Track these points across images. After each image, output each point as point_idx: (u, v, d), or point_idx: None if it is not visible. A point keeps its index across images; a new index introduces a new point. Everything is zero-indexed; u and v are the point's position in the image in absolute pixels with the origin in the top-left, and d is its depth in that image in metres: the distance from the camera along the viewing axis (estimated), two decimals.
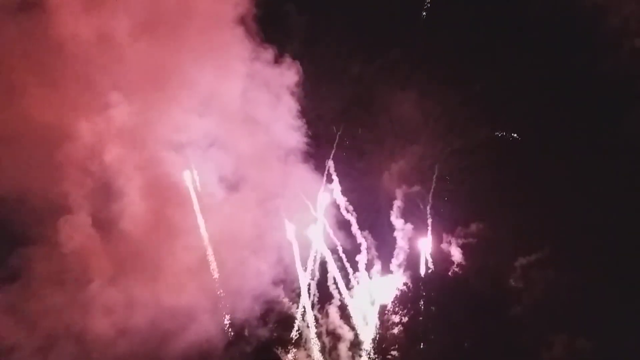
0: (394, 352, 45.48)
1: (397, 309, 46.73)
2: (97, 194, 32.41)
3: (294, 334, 42.47)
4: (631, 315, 39.11)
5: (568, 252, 44.21)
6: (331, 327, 43.49)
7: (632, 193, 41.96)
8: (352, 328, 43.48)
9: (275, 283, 40.49)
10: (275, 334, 40.86)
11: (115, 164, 32.68)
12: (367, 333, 44.67)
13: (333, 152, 47.59)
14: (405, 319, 46.54)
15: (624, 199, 42.32)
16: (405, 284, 47.10)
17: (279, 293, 41.06)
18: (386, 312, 46.37)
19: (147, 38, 32.26)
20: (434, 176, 49.76)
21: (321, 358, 42.53)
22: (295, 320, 42.25)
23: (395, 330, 46.05)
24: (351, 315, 43.64)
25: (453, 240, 49.65)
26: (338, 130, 48.19)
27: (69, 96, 31.37)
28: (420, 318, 46.49)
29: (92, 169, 32.25)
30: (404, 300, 46.96)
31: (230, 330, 37.06)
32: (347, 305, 43.70)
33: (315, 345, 42.19)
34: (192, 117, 34.82)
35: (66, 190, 30.46)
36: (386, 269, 47.21)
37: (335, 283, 43.52)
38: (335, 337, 43.40)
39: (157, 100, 32.80)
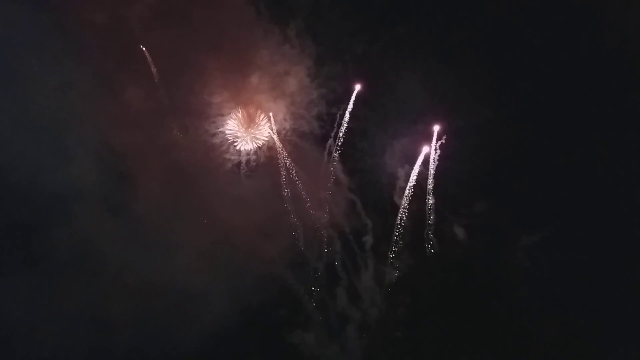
0: (398, 333, 46.19)
1: (400, 290, 47.40)
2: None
3: (302, 317, 42.96)
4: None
5: (573, 232, 44.53)
6: (339, 309, 44.07)
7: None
8: (360, 310, 43.98)
9: (285, 266, 40.86)
10: (284, 317, 41.18)
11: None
12: (372, 314, 45.36)
13: (335, 132, 47.57)
14: (407, 300, 47.24)
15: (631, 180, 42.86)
16: (409, 265, 47.71)
17: (289, 275, 41.42)
18: (389, 293, 46.98)
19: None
20: (436, 155, 49.97)
21: (328, 340, 43.24)
22: (304, 303, 42.72)
23: (399, 311, 46.73)
24: (360, 296, 44.11)
25: (456, 220, 50.47)
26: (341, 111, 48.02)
27: None
28: (422, 299, 47.19)
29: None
30: (407, 282, 47.65)
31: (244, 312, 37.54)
32: (355, 287, 44.14)
33: (322, 327, 42.87)
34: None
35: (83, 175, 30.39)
36: (391, 249, 47.65)
37: (344, 265, 44.05)
38: (343, 318, 44.05)
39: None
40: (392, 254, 48.32)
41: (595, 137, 45.74)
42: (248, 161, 41.09)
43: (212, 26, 36.46)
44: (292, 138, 44.89)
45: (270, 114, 42.24)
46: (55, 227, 31.72)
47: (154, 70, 34.12)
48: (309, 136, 45.44)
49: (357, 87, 48.92)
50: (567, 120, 47.28)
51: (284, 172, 42.73)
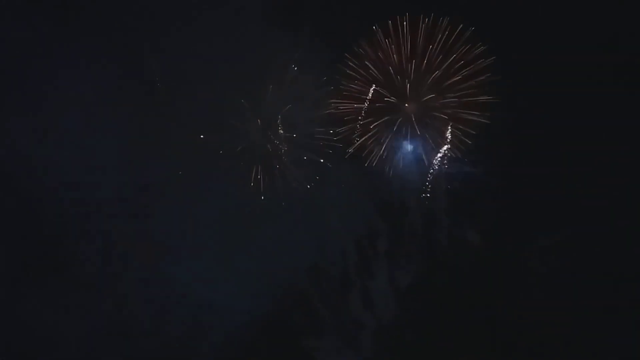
0: (409, 336, 46.60)
1: (411, 293, 47.82)
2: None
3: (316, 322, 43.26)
4: None
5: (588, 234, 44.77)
6: (354, 314, 44.35)
7: None
8: (374, 314, 44.29)
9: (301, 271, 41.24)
10: (299, 323, 41.49)
11: None
12: (386, 318, 45.72)
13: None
14: (420, 303, 47.68)
15: None
16: (421, 269, 48.11)
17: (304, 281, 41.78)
18: (401, 296, 47.36)
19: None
20: (447, 156, 50.22)
21: (343, 345, 43.52)
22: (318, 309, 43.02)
23: (412, 315, 47.16)
24: (373, 301, 44.40)
25: (468, 223, 50.78)
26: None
27: None
28: (434, 302, 47.61)
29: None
30: (420, 286, 48.06)
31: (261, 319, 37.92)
32: (369, 292, 44.46)
33: (337, 333, 43.16)
34: None
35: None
36: (404, 254, 47.90)
37: (358, 269, 44.31)
38: (357, 323, 44.35)
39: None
40: (404, 258, 48.50)
41: (614, 136, 46.12)
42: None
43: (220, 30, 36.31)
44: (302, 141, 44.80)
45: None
46: (77, 236, 31.89)
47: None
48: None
49: (372, 89, 48.96)
50: (586, 119, 47.27)
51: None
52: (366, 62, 47.07)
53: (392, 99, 48.28)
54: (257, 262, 37.98)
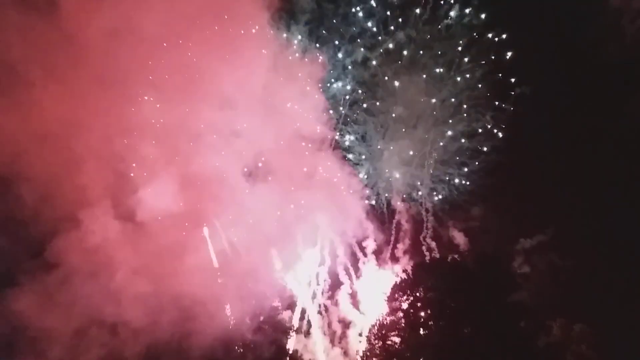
0: (394, 338, 47.13)
1: (397, 295, 48.43)
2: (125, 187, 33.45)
3: (302, 324, 44.02)
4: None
5: (571, 236, 46.15)
6: (341, 314, 45.22)
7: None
8: (362, 314, 45.18)
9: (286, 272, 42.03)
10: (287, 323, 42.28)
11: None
12: (372, 319, 46.46)
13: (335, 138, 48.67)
14: (405, 305, 48.27)
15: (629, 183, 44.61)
16: (404, 270, 48.78)
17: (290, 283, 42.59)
18: (387, 298, 47.97)
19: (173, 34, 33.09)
20: (433, 159, 51.35)
21: (329, 345, 44.29)
22: (304, 309, 43.83)
23: (396, 316, 47.73)
24: (360, 301, 45.29)
25: (453, 224, 51.93)
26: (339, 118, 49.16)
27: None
28: (420, 304, 48.28)
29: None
30: (405, 287, 48.74)
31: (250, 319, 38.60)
32: (356, 292, 45.36)
33: (320, 335, 43.97)
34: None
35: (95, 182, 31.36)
36: (391, 255, 48.97)
37: (345, 270, 45.21)
38: (344, 324, 45.19)
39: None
40: (389, 259, 49.47)
41: (593, 139, 48.03)
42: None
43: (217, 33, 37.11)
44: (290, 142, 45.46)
45: None
46: (67, 234, 32.39)
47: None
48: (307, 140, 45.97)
49: (355, 92, 50.04)
50: (565, 123, 48.96)
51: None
52: None
53: None
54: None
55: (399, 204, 52.14)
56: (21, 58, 31.07)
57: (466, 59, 49.08)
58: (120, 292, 32.91)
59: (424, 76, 49.81)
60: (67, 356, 32.45)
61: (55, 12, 31.27)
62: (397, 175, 52.29)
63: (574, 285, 44.96)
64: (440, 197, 52.53)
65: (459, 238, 51.68)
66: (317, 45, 46.09)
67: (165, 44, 34.42)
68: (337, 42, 47.73)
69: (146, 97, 34.85)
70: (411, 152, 52.06)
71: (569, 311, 43.65)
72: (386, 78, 50.12)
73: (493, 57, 48.71)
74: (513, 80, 49.63)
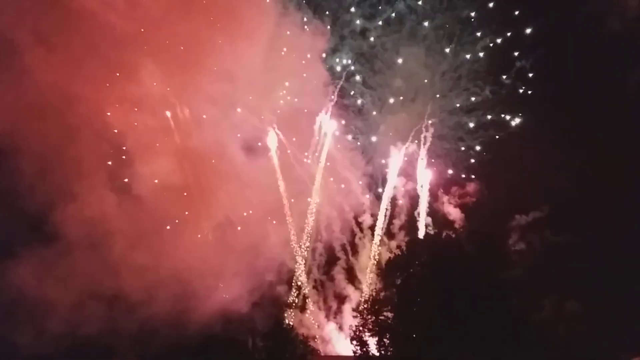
0: (387, 313, 47.33)
1: (391, 270, 48.53)
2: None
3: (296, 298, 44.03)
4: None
5: (566, 212, 46.37)
6: (337, 289, 45.30)
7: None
8: (357, 289, 45.31)
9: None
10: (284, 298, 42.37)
11: None
12: (367, 294, 46.63)
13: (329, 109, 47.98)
14: (398, 281, 48.41)
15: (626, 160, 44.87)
16: (399, 246, 48.81)
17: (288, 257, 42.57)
18: (382, 273, 48.06)
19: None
20: (430, 133, 51.08)
21: (325, 320, 44.44)
22: (300, 284, 43.78)
23: (390, 292, 47.88)
24: (357, 276, 45.36)
25: (449, 200, 51.96)
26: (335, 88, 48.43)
27: None
28: (413, 280, 48.43)
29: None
30: (399, 262, 48.83)
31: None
32: (352, 267, 45.39)
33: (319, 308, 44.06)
34: None
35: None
36: (386, 230, 48.89)
37: (341, 245, 45.13)
38: (340, 299, 45.29)
39: None
40: (383, 234, 49.39)
41: (588, 117, 47.49)
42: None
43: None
44: (287, 115, 44.84)
45: None
46: (65, 207, 31.85)
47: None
48: (303, 112, 45.31)
49: (351, 64, 49.19)
50: (560, 99, 48.73)
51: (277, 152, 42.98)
52: None
53: None
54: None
55: (394, 179, 51.85)
56: (15, 28, 29.95)
57: (467, 32, 48.53)
58: (119, 265, 32.47)
59: (424, 49, 49.15)
60: (65, 327, 32.11)
61: None
62: (394, 149, 51.80)
63: (568, 262, 45.04)
64: (436, 172, 52.34)
65: (455, 214, 51.76)
66: (314, 14, 45.22)
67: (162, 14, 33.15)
68: (334, 11, 46.93)
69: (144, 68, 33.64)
70: (408, 126, 51.62)
71: (562, 288, 44.14)
72: (385, 50, 49.53)
73: (495, 30, 48.20)
74: (514, 54, 49.23)
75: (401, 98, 51.28)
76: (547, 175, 48.31)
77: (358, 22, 48.07)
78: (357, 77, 49.51)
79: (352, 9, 47.66)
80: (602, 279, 43.62)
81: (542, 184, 48.47)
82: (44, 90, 30.79)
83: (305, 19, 43.50)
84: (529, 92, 50.09)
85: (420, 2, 48.30)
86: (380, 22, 48.66)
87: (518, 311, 42.59)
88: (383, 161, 51.48)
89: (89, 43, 31.80)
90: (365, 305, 45.89)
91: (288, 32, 42.15)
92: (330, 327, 45.51)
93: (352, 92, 49.71)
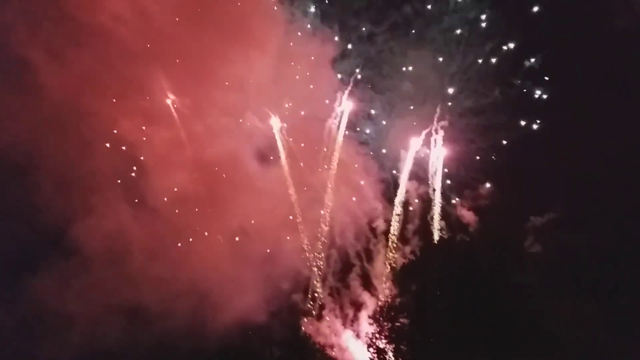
0: (403, 320, 47.36)
1: (406, 277, 48.58)
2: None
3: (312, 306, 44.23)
4: None
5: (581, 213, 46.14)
6: (353, 296, 45.41)
7: None
8: (373, 296, 45.38)
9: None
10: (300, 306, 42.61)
11: None
12: (383, 301, 46.72)
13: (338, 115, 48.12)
14: (414, 287, 48.44)
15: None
16: (413, 251, 48.90)
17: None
18: (397, 279, 48.18)
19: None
20: (440, 136, 51.10)
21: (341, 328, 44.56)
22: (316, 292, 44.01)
23: (405, 298, 47.94)
24: (372, 283, 45.47)
25: (462, 203, 51.89)
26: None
27: None
28: (428, 286, 48.44)
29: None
30: (414, 268, 48.90)
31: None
32: (368, 274, 45.50)
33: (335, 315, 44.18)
34: None
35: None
36: (400, 236, 48.94)
37: (356, 251, 45.27)
38: (356, 306, 45.37)
39: None
40: (395, 240, 49.46)
41: (605, 113, 47.23)
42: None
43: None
44: (296, 122, 45.08)
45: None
46: (83, 220, 32.52)
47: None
48: (312, 118, 45.56)
49: (359, 70, 49.35)
50: (575, 99, 48.56)
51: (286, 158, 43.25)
52: None
53: None
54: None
55: (406, 183, 51.90)
56: (30, 44, 30.62)
57: (476, 34, 48.57)
58: (136, 277, 33.03)
59: (433, 51, 49.23)
60: (85, 341, 32.71)
61: None
62: (404, 153, 51.84)
63: (585, 264, 44.80)
64: (448, 175, 52.35)
65: (468, 217, 51.67)
66: (321, 20, 45.52)
67: (174, 26, 33.72)
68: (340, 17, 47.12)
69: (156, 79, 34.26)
70: (418, 130, 51.65)
71: (580, 291, 43.96)
72: (393, 54, 49.67)
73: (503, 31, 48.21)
74: (523, 54, 49.20)
75: (410, 102, 51.25)
76: (562, 176, 48.33)
77: (364, 27, 48.37)
78: (366, 82, 49.62)
79: (359, 14, 48.04)
80: (621, 281, 43.29)
81: (558, 184, 48.47)
82: (59, 106, 31.26)
83: (310, 26, 43.56)
84: (541, 93, 50.20)
85: (428, 6, 48.51)
86: (387, 27, 48.84)
87: (535, 316, 42.67)
88: (394, 166, 51.36)
89: (102, 58, 32.14)
90: (381, 312, 46.19)
91: (295, 41, 42.28)
92: (347, 335, 45.62)
93: (361, 97, 49.90)
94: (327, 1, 46.30)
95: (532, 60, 49.75)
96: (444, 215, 51.58)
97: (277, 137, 41.66)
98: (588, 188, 47.35)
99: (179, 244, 34.95)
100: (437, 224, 51.06)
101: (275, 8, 40.01)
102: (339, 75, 47.99)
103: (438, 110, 50.76)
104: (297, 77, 42.44)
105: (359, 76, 48.58)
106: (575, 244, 45.90)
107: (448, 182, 52.16)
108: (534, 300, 44.51)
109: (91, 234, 32.84)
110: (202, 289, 35.13)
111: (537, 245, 48.02)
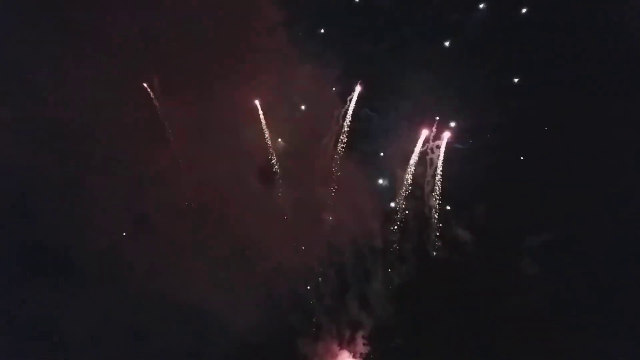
0: (397, 340, 47.68)
1: (404, 295, 48.99)
2: None
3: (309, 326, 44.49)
4: None
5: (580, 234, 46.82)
6: (350, 316, 45.67)
7: None
8: (371, 316, 45.70)
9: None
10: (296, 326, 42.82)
11: None
12: (379, 321, 47.06)
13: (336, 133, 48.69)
14: (409, 307, 48.86)
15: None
16: (410, 270, 49.32)
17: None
18: (393, 299, 48.54)
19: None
20: (437, 156, 51.72)
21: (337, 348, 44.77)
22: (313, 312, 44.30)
23: (401, 318, 48.30)
24: (368, 303, 45.78)
25: (459, 223, 52.45)
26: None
27: None
28: (424, 306, 48.90)
29: None
30: (409, 288, 49.36)
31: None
32: (365, 293, 45.82)
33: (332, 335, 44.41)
34: None
35: None
36: (397, 255, 49.34)
37: (353, 270, 45.64)
38: (353, 326, 45.63)
39: None
40: (393, 259, 49.85)
41: (600, 139, 48.20)
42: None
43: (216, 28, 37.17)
44: (294, 140, 45.59)
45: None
46: (82, 237, 32.78)
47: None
48: (311, 137, 46.07)
49: (358, 88, 50.05)
50: (573, 122, 49.44)
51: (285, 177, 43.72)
52: None
53: None
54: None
55: (403, 202, 52.38)
56: (35, 63, 31.04)
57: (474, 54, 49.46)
58: (135, 296, 33.24)
59: (431, 72, 50.03)
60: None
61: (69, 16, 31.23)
62: (401, 172, 52.43)
63: (583, 285, 45.35)
64: (445, 194, 52.90)
65: (464, 236, 52.12)
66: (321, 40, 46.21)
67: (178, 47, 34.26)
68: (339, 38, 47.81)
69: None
70: (414, 149, 52.32)
71: (578, 314, 44.46)
72: (391, 74, 50.40)
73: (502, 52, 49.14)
74: (520, 76, 50.15)
75: (407, 122, 51.91)
76: (558, 195, 48.99)
77: (363, 48, 49.18)
78: (365, 101, 50.32)
79: (357, 35, 48.80)
80: (620, 303, 43.82)
81: (554, 204, 49.09)
82: (61, 121, 31.49)
83: (312, 47, 44.24)
84: (538, 111, 50.93)
85: (426, 27, 49.43)
86: (385, 47, 49.69)
87: (530, 337, 43.19)
88: (391, 184, 51.87)
89: (107, 75, 32.51)
90: (376, 333, 46.54)
91: (297, 60, 42.87)
92: (344, 356, 45.80)
93: (358, 117, 50.57)
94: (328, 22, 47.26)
95: (531, 80, 50.65)
96: (441, 234, 52.03)
97: (275, 156, 42.16)
98: (585, 208, 48.02)
99: (176, 263, 35.03)
100: (433, 243, 51.48)
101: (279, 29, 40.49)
102: (339, 94, 49.07)
103: (434, 129, 51.68)
104: (299, 97, 42.88)
105: (357, 95, 49.45)
106: (572, 262, 46.60)
107: (444, 201, 52.76)
108: (532, 321, 45.25)
109: (88, 251, 33.05)
110: (200, 309, 35.22)
111: (533, 265, 48.58)
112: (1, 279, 34.72)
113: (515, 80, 50.62)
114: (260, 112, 40.16)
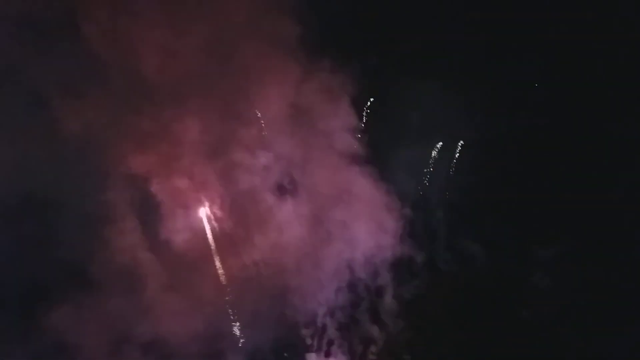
0: (407, 356, 48.00)
1: (411, 312, 49.33)
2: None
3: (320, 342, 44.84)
4: None
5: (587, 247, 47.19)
6: (361, 331, 46.03)
7: None
8: (383, 331, 46.08)
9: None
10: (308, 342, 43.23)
11: None
12: (390, 336, 47.41)
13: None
14: (418, 322, 49.21)
15: None
16: (418, 285, 49.73)
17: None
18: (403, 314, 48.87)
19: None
20: (450, 170, 52.36)
21: None
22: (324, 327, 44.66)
23: (409, 334, 48.61)
24: (380, 317, 46.20)
25: (467, 234, 52.98)
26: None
27: None
28: (434, 320, 49.25)
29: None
30: (418, 303, 49.73)
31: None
32: (376, 308, 46.20)
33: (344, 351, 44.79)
34: None
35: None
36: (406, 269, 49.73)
37: (365, 286, 46.04)
38: (364, 342, 45.99)
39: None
40: (404, 273, 50.20)
41: (614, 150, 49.29)
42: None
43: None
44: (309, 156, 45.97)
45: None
46: (100, 253, 33.45)
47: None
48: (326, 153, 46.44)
49: (369, 101, 50.75)
50: (584, 133, 50.47)
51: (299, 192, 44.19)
52: None
53: None
54: None
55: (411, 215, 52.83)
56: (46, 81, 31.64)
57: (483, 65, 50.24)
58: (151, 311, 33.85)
59: (440, 85, 50.67)
60: None
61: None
62: (409, 185, 52.93)
63: (596, 296, 45.71)
64: (453, 206, 53.43)
65: (473, 249, 52.59)
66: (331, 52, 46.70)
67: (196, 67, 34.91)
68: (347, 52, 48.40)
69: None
70: (424, 162, 52.96)
71: (590, 325, 44.79)
72: (399, 87, 51.08)
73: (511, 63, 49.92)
74: (529, 86, 50.91)
75: (416, 134, 52.54)
76: (570, 207, 49.41)
77: (371, 61, 49.85)
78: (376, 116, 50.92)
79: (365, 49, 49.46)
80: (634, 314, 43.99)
81: (566, 216, 49.57)
82: (78, 141, 32.13)
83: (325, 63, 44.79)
84: (547, 121, 51.68)
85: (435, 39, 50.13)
86: (393, 60, 50.40)
87: (541, 352, 43.53)
88: (402, 198, 52.28)
89: (123, 96, 33.16)
90: (385, 349, 46.87)
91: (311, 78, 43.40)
92: None
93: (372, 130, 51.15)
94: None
95: (542, 90, 51.46)
96: (449, 247, 52.50)
97: (289, 171, 42.71)
98: (598, 219, 48.46)
99: (192, 279, 35.73)
100: (442, 256, 51.97)
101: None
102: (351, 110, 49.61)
103: (444, 141, 52.38)
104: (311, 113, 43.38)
105: (368, 110, 50.19)
106: (585, 275, 46.98)
107: (452, 212, 53.26)
108: (543, 334, 45.67)
109: (107, 267, 33.71)
110: (214, 323, 35.82)
111: (545, 279, 49.01)
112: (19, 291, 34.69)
113: (526, 90, 51.42)
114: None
